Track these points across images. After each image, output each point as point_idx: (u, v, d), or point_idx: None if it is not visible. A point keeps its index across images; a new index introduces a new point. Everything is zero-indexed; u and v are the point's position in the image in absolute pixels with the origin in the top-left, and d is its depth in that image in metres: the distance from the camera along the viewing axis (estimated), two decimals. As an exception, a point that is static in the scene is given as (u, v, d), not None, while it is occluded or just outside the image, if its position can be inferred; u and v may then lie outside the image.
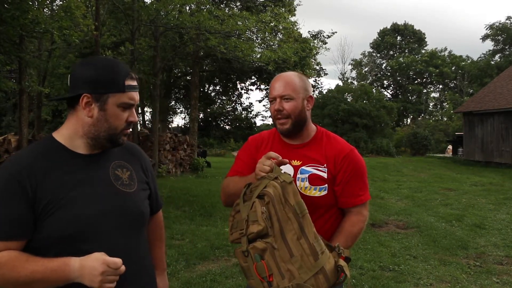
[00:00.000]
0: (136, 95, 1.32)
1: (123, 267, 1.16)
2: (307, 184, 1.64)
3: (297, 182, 1.64)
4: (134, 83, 1.31)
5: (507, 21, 37.51)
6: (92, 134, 1.27)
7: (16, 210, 1.15)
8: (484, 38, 38.90)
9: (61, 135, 1.30)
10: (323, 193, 1.64)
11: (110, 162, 1.34)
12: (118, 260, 1.15)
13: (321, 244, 1.40)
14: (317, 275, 1.36)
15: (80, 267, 1.14)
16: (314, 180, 1.65)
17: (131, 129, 1.36)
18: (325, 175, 1.65)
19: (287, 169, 1.64)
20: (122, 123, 1.29)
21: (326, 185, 1.65)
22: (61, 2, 10.39)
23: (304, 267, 1.35)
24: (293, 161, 1.68)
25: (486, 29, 38.10)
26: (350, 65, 46.30)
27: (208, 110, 32.12)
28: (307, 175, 1.65)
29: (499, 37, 37.52)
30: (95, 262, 1.13)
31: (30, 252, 1.17)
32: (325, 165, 1.67)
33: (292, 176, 1.63)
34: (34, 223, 1.18)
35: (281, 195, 1.40)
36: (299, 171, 1.66)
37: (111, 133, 1.28)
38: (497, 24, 37.52)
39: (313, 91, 1.89)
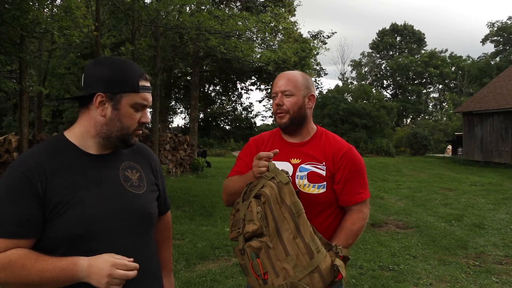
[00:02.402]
0: (149, 96, 1.32)
1: (134, 272, 1.16)
2: (306, 181, 1.66)
3: (296, 180, 1.67)
4: (148, 84, 1.31)
5: (508, 20, 37.55)
6: (104, 133, 1.28)
7: (26, 209, 1.15)
8: (484, 40, 38.96)
9: (73, 134, 1.31)
10: (322, 190, 1.66)
11: (120, 163, 1.34)
12: (128, 263, 1.15)
13: (317, 243, 1.41)
14: (312, 274, 1.37)
15: (88, 266, 1.14)
16: (312, 177, 1.67)
17: (142, 130, 1.35)
18: (323, 172, 1.68)
19: (286, 167, 1.66)
20: (135, 123, 1.29)
21: (325, 182, 1.67)
22: (61, 2, 10.41)
23: (299, 266, 1.37)
24: (292, 159, 1.71)
25: (488, 26, 38.24)
26: (349, 66, 46.40)
27: (208, 110, 32.15)
28: (306, 173, 1.67)
29: (500, 38, 37.54)
30: (103, 263, 1.14)
31: (39, 251, 1.17)
32: (324, 163, 1.69)
33: (290, 174, 1.65)
34: (43, 223, 1.18)
35: (277, 195, 1.42)
36: (298, 169, 1.69)
37: (124, 133, 1.28)
38: (499, 24, 37.59)
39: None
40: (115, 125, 1.27)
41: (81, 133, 1.29)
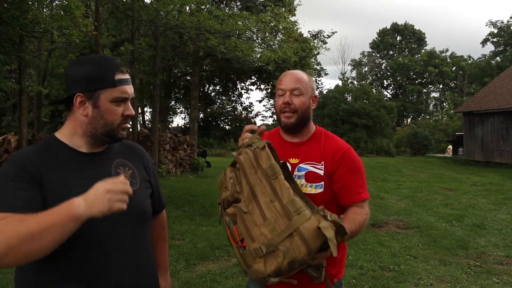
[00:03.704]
0: (129, 88, 1.31)
1: (130, 189, 1.13)
2: (303, 181, 1.66)
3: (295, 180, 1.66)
4: (125, 76, 1.29)
5: (511, 19, 37.50)
6: (90, 132, 1.28)
7: (29, 191, 1.15)
8: (485, 41, 38.90)
9: (62, 134, 1.32)
10: (319, 190, 1.65)
11: (112, 160, 1.35)
12: (121, 177, 1.14)
13: (296, 205, 1.29)
14: (291, 237, 1.25)
15: (84, 199, 1.09)
16: (310, 177, 1.66)
17: (129, 123, 1.36)
18: (321, 172, 1.67)
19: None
20: (118, 117, 1.29)
21: (323, 182, 1.66)
22: (60, 2, 10.40)
23: (277, 229, 1.27)
24: (291, 158, 1.70)
25: (488, 26, 38.22)
26: (350, 66, 46.38)
27: (208, 110, 32.12)
28: (304, 173, 1.67)
29: (501, 39, 37.47)
30: (97, 187, 1.10)
31: None
32: (322, 162, 1.68)
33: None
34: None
35: (252, 160, 1.39)
36: (296, 169, 1.68)
37: (108, 128, 1.28)
38: (500, 23, 37.54)
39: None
40: (99, 123, 1.27)
41: (70, 134, 1.30)
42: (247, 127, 1.54)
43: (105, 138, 1.30)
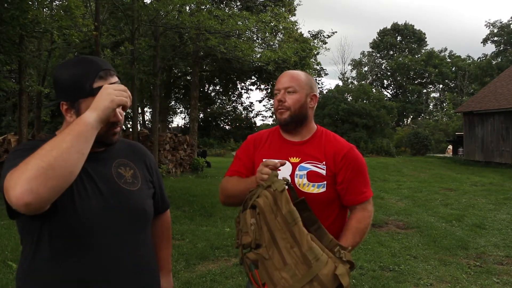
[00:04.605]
0: None
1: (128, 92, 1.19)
2: (305, 180, 1.65)
3: (296, 179, 1.65)
4: (107, 81, 1.22)
5: (510, 20, 37.44)
6: None
7: None
8: (485, 40, 38.83)
9: None
10: (322, 190, 1.65)
11: (113, 160, 1.33)
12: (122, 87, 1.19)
13: (315, 251, 1.36)
14: (311, 283, 1.35)
15: (92, 105, 1.14)
16: (312, 177, 1.66)
17: (120, 127, 1.30)
18: (323, 172, 1.66)
19: (286, 166, 1.64)
20: (103, 125, 1.21)
21: (325, 182, 1.65)
22: (60, 2, 10.39)
23: (297, 275, 1.35)
24: (292, 158, 1.69)
25: (487, 27, 38.14)
26: (350, 66, 46.37)
27: (208, 110, 32.12)
28: (305, 172, 1.66)
29: (501, 38, 37.41)
30: (101, 91, 1.15)
31: (31, 243, 1.19)
32: (324, 162, 1.68)
33: (289, 173, 1.65)
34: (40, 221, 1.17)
35: (272, 205, 1.41)
36: (297, 168, 1.67)
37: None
38: (499, 23, 37.49)
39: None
40: None
41: None
42: (270, 162, 1.51)
43: (95, 144, 1.23)
